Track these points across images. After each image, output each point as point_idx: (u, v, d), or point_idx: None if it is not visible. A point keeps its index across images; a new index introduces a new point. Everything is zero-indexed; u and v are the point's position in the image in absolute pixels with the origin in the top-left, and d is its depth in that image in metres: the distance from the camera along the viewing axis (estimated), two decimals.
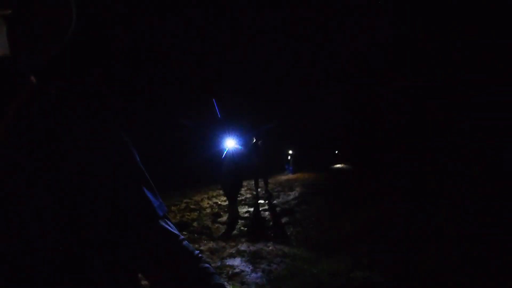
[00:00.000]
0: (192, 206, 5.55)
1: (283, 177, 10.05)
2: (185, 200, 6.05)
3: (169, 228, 0.48)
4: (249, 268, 2.84)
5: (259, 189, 6.71)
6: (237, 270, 2.79)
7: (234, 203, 4.62)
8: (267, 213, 5.09)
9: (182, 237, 0.49)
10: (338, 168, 12.04)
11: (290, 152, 9.24)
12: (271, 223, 4.48)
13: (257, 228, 4.22)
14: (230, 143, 3.82)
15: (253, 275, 2.68)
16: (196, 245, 3.63)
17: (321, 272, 2.53)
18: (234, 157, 4.09)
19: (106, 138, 0.46)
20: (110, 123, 0.47)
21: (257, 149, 6.66)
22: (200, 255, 0.50)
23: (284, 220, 4.58)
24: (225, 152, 3.86)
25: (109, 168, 0.44)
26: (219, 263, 2.97)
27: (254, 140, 6.75)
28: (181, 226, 4.41)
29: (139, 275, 0.48)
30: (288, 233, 3.91)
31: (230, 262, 2.99)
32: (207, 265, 0.48)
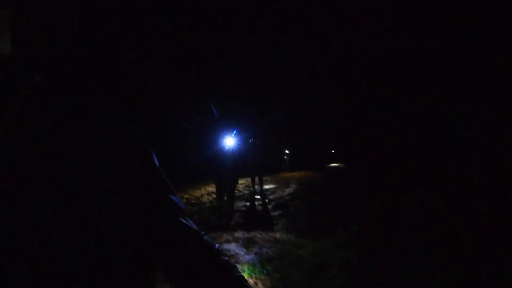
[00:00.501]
0: (192, 201, 5.94)
1: (280, 175, 10.42)
2: (186, 196, 6.43)
3: (189, 224, 0.49)
4: (243, 251, 3.22)
5: (256, 186, 7.10)
6: (232, 253, 3.17)
7: (232, 198, 4.98)
8: (262, 207, 5.48)
9: (202, 232, 0.50)
10: (334, 167, 12.39)
11: (287, 151, 9.60)
12: (265, 215, 4.86)
13: (252, 219, 4.60)
14: (228, 142, 4.16)
15: (246, 256, 3.06)
16: None
17: (305, 253, 2.91)
18: (232, 155, 4.44)
19: (119, 136, 0.46)
20: (122, 120, 0.47)
21: (255, 148, 6.98)
22: (220, 248, 0.50)
23: (277, 213, 4.96)
24: (223, 151, 4.20)
25: (124, 165, 0.44)
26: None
27: (252, 140, 7.07)
28: None
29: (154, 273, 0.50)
30: (280, 224, 4.29)
31: (226, 246, 3.37)
32: (226, 258, 0.49)
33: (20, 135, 0.39)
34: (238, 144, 4.36)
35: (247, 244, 3.43)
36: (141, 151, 0.48)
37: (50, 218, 0.38)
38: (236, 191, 6.67)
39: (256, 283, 2.35)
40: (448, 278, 2.43)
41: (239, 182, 8.02)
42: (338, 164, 12.79)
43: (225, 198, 4.86)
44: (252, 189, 7.02)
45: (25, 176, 0.38)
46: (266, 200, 5.97)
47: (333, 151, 12.99)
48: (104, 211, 0.41)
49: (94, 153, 0.42)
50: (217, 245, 0.50)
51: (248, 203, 5.73)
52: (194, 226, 0.49)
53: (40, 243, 0.37)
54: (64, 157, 0.40)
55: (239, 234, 3.80)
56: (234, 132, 4.11)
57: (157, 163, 0.50)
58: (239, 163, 4.73)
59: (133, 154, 0.46)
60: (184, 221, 0.48)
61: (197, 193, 6.96)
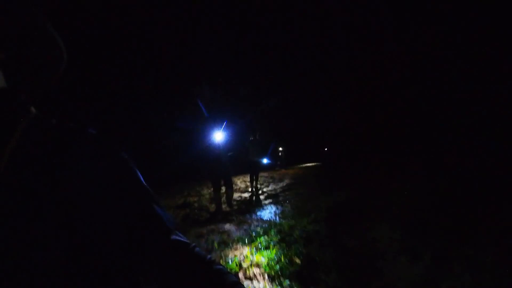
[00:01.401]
0: (193, 193, 6.58)
1: (276, 171, 11.05)
2: (187, 189, 7.08)
3: (181, 239, 0.50)
4: (234, 228, 3.86)
5: (253, 182, 7.71)
6: (225, 230, 3.81)
7: (231, 189, 5.49)
8: (255, 197, 6.10)
9: (193, 244, 0.51)
10: (327, 165, 12.99)
11: (281, 148, 10.20)
12: (257, 204, 5.48)
13: (245, 206, 5.23)
14: (219, 136, 4.56)
15: (237, 232, 3.69)
16: (196, 217, 4.65)
17: (285, 228, 3.54)
18: (225, 149, 4.92)
19: (108, 160, 0.48)
20: (111, 145, 0.50)
21: (256, 145, 7.34)
22: (212, 259, 0.51)
23: (268, 201, 5.59)
24: (215, 145, 4.60)
25: (115, 188, 0.47)
26: (213, 226, 3.99)
27: (252, 138, 7.53)
28: (185, 205, 5.44)
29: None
30: (269, 209, 4.92)
31: (221, 225, 4.01)
32: (221, 266, 0.50)
33: (21, 166, 0.42)
34: (230, 138, 4.78)
35: (239, 224, 4.06)
36: (128, 172, 0.50)
37: (55, 242, 0.41)
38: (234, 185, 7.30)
39: (243, 247, 2.98)
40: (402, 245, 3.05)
41: (237, 177, 8.66)
42: (332, 163, 13.41)
43: (222, 191, 5.42)
44: (248, 183, 7.64)
45: (25, 202, 0.41)
46: (260, 192, 6.60)
47: (326, 149, 13.61)
48: (94, 233, 0.44)
49: (86, 176, 0.45)
50: (209, 256, 0.51)
51: (243, 195, 6.36)
52: (185, 240, 0.51)
53: (33, 261, 0.40)
54: (60, 181, 0.43)
55: (232, 217, 4.44)
56: (224, 126, 4.55)
57: (143, 181, 0.52)
58: (233, 156, 5.22)
59: (120, 177, 0.49)
60: (175, 236, 0.50)
61: (198, 187, 7.61)
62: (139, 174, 0.52)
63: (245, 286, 0.52)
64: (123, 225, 0.46)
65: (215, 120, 4.44)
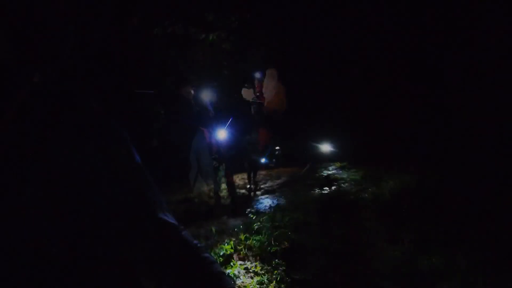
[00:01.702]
0: (192, 188, 6.83)
1: (274, 170, 11.27)
2: (188, 185, 7.33)
3: (168, 219, 0.50)
4: (232, 219, 4.12)
5: (251, 179, 7.91)
6: (224, 220, 4.06)
7: (232, 185, 5.66)
8: (253, 192, 6.35)
9: (181, 227, 0.52)
10: (325, 164, 13.20)
11: (277, 148, 10.36)
12: (254, 198, 5.74)
13: (243, 201, 5.48)
14: (222, 134, 4.82)
15: (234, 222, 3.95)
16: (196, 210, 4.91)
17: (278, 218, 3.79)
18: (227, 147, 5.14)
19: (105, 135, 0.48)
20: (110, 121, 0.50)
21: (255, 144, 7.53)
22: (199, 245, 0.51)
23: (265, 196, 5.85)
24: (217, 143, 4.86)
25: (108, 164, 0.47)
26: (212, 218, 4.25)
27: (250, 137, 7.72)
28: (185, 200, 5.72)
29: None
30: (265, 203, 5.17)
31: (219, 217, 4.27)
32: (207, 254, 0.50)
33: (17, 134, 0.42)
34: (232, 136, 5.02)
35: (237, 215, 4.32)
36: (123, 149, 0.50)
37: (45, 215, 0.41)
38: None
39: (237, 233, 3.23)
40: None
41: (236, 175, 8.88)
42: (330, 162, 13.61)
43: (222, 187, 5.66)
44: (246, 181, 7.86)
45: (18, 173, 0.40)
46: (257, 188, 6.84)
47: (325, 147, 13.79)
48: (86, 207, 0.44)
49: (82, 150, 0.45)
50: (196, 241, 0.51)
51: (241, 191, 6.61)
52: (173, 221, 0.51)
53: (25, 240, 0.40)
54: (55, 154, 0.43)
55: (231, 210, 4.69)
56: (226, 125, 4.80)
57: (138, 159, 0.52)
58: (234, 154, 5.46)
59: (115, 152, 0.49)
60: (163, 216, 0.50)
61: (198, 183, 7.85)
62: (135, 151, 0.52)
63: (231, 277, 0.56)
64: (113, 200, 0.47)
65: (217, 118, 4.68)
